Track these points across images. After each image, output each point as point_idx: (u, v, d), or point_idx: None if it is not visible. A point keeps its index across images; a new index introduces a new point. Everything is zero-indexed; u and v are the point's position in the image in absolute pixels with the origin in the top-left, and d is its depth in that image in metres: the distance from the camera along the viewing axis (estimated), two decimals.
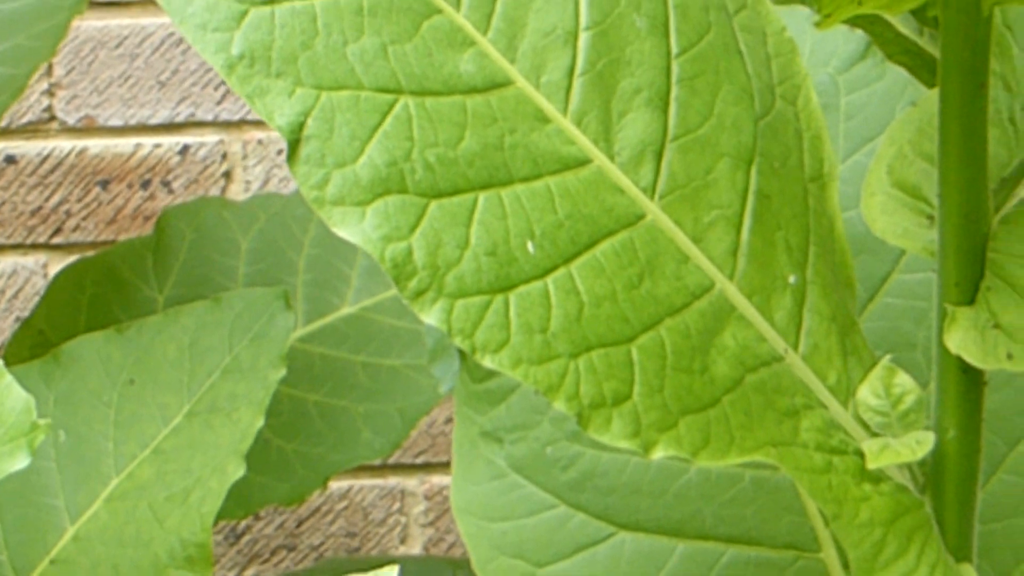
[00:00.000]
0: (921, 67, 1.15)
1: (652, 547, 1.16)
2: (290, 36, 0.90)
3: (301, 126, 0.86)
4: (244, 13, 0.89)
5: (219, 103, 2.08)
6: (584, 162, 0.95)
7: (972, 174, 0.97)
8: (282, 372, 1.30)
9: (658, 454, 0.91)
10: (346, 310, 1.53)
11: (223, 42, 0.88)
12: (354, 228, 0.88)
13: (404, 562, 1.78)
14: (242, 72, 0.87)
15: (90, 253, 1.75)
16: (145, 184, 2.07)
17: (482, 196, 0.91)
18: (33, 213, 2.10)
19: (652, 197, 0.96)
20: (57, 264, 2.07)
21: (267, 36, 0.89)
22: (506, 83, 0.94)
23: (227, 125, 2.10)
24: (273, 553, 2.18)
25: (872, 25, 1.15)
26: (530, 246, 0.91)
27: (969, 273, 0.99)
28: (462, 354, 1.17)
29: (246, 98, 0.89)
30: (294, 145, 0.87)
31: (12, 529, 1.29)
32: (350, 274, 1.54)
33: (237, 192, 2.06)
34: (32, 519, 1.30)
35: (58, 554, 1.26)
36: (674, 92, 0.98)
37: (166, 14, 2.03)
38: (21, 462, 0.99)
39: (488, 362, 0.89)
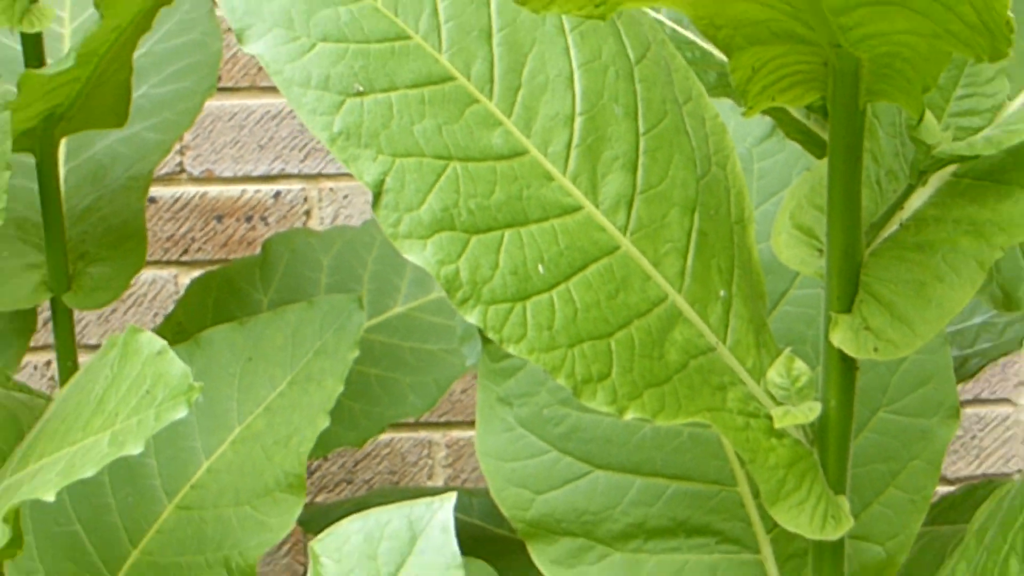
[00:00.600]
0: (810, 143, 1.15)
1: (618, 481, 1.15)
2: (374, 119, 0.89)
3: (382, 183, 0.87)
4: (342, 102, 0.88)
5: (302, 161, 2.08)
6: (578, 209, 0.95)
7: (850, 220, 0.97)
8: (355, 353, 1.30)
9: (628, 416, 0.92)
10: (397, 310, 1.55)
11: (327, 122, 0.88)
12: (418, 255, 0.88)
13: (432, 491, 1.74)
14: (341, 143, 0.87)
15: (209, 268, 1.76)
16: (248, 219, 2.08)
17: (507, 233, 0.91)
18: (167, 239, 2.09)
19: (625, 234, 0.96)
20: (184, 276, 2.08)
21: (358, 118, 0.89)
22: (524, 152, 0.94)
23: (307, 177, 2.10)
24: (336, 485, 2.18)
25: (775, 112, 1.14)
26: (540, 268, 0.91)
27: (847, 291, 0.99)
28: (485, 341, 1.14)
29: (343, 161, 0.90)
30: (377, 196, 0.88)
31: (164, 462, 1.30)
32: (400, 284, 1.56)
33: (314, 225, 2.06)
34: (178, 456, 1.30)
35: (196, 481, 1.28)
36: (641, 160, 0.98)
37: (268, 97, 2.05)
38: (181, 412, 1.00)
39: (511, 350, 0.91)
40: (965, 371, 1.51)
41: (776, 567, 1.13)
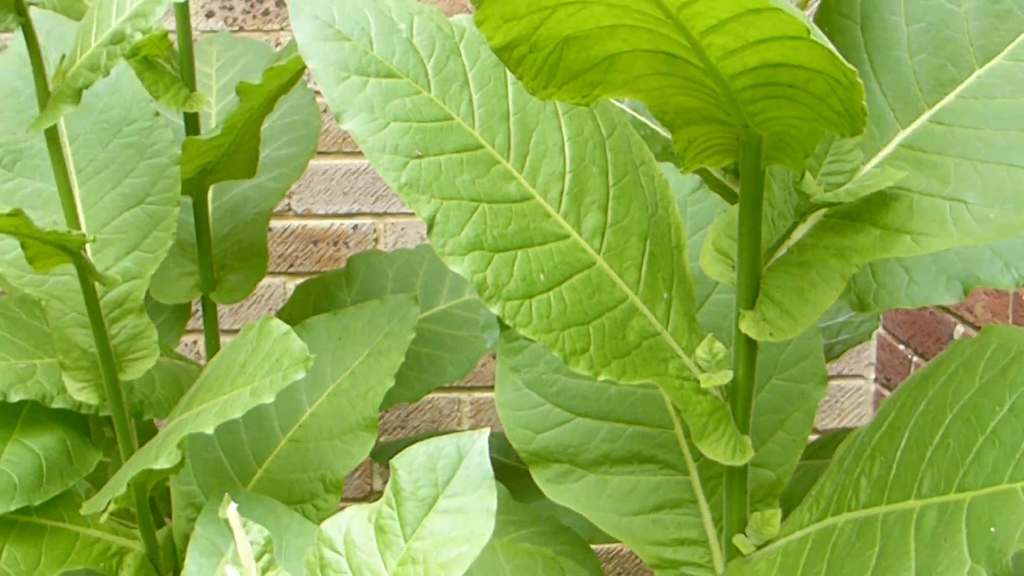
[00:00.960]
0: (726, 194, 1.10)
1: (592, 426, 1.14)
2: (428, 174, 0.88)
3: (434, 218, 0.86)
4: (407, 163, 0.85)
5: (373, 203, 2.06)
6: (567, 236, 0.93)
7: (753, 247, 0.96)
8: (412, 335, 1.29)
9: (600, 378, 0.91)
10: (440, 307, 1.54)
11: (397, 176, 0.86)
12: (459, 267, 0.87)
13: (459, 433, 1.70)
14: (406, 191, 0.86)
15: (309, 278, 1.75)
16: (335, 243, 2.06)
17: (519, 253, 0.90)
18: (279, 256, 2.07)
19: (599, 255, 0.95)
20: (291, 283, 2.04)
21: (417, 174, 0.86)
22: (531, 198, 0.92)
23: (377, 215, 2.08)
24: (393, 429, 2.15)
25: (702, 172, 1.09)
26: (542, 276, 0.91)
27: (751, 294, 0.97)
28: (503, 327, 1.16)
29: (407, 203, 0.88)
30: (430, 227, 0.87)
31: (280, 409, 1.29)
32: (442, 289, 1.56)
33: (381, 248, 2.04)
34: (289, 404, 1.30)
35: (302, 422, 1.28)
36: (611, 204, 0.97)
37: (350, 159, 2.02)
38: (301, 375, 1.02)
39: (521, 332, 0.90)
40: (831, 354, 1.48)
41: (700, 485, 1.12)
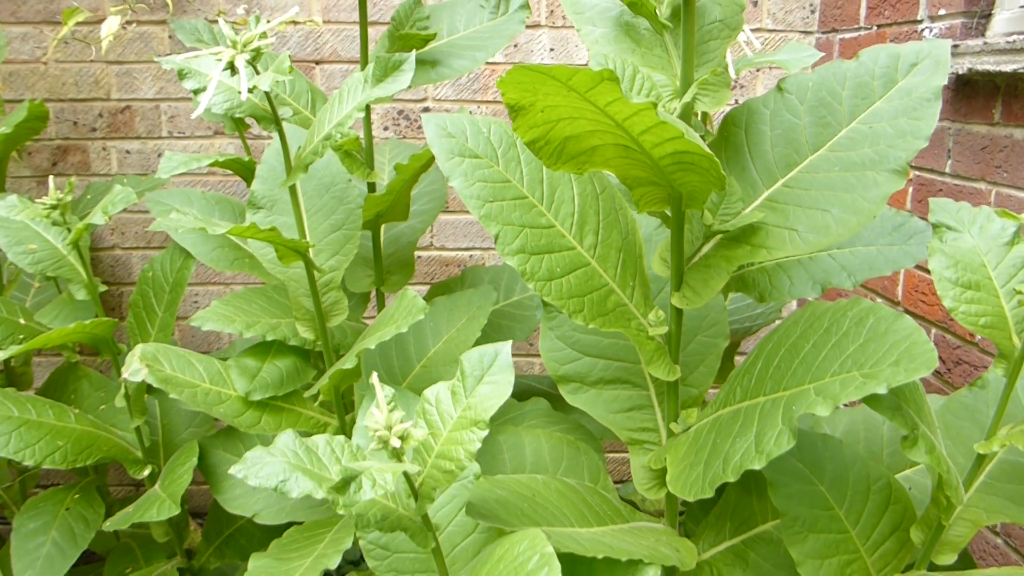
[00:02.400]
0: (666, 223, 1.13)
1: (593, 361, 1.14)
2: (496, 211, 0.94)
3: (498, 235, 0.93)
4: (483, 204, 0.94)
5: (481, 242, 2.05)
6: (574, 248, 0.99)
7: (679, 257, 1.00)
8: (491, 309, 1.30)
9: (590, 326, 0.97)
10: (514, 299, 1.51)
11: (478, 211, 0.94)
12: (512, 262, 0.94)
13: (530, 376, 1.64)
14: (484, 220, 0.93)
15: (436, 283, 1.77)
16: (458, 266, 2.06)
17: (546, 256, 0.96)
18: (423, 273, 2.07)
19: (593, 259, 1.00)
20: (423, 287, 2.07)
21: (489, 210, 0.94)
22: (553, 226, 0.98)
23: (482, 249, 2.07)
24: None
25: (652, 213, 1.08)
26: (558, 269, 0.97)
27: (679, 283, 1.00)
28: (544, 305, 1.16)
29: (484, 226, 0.96)
30: (496, 239, 0.93)
31: (416, 345, 1.29)
32: (515, 288, 1.52)
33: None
34: (422, 342, 1.29)
35: (430, 355, 1.28)
36: (600, 230, 1.02)
37: (468, 215, 2.03)
38: (421, 317, 1.04)
39: (546, 299, 0.95)
40: (748, 332, 1.46)
41: (655, 396, 1.13)
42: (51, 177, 1.22)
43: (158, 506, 1.22)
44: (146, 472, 1.44)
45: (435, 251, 2.11)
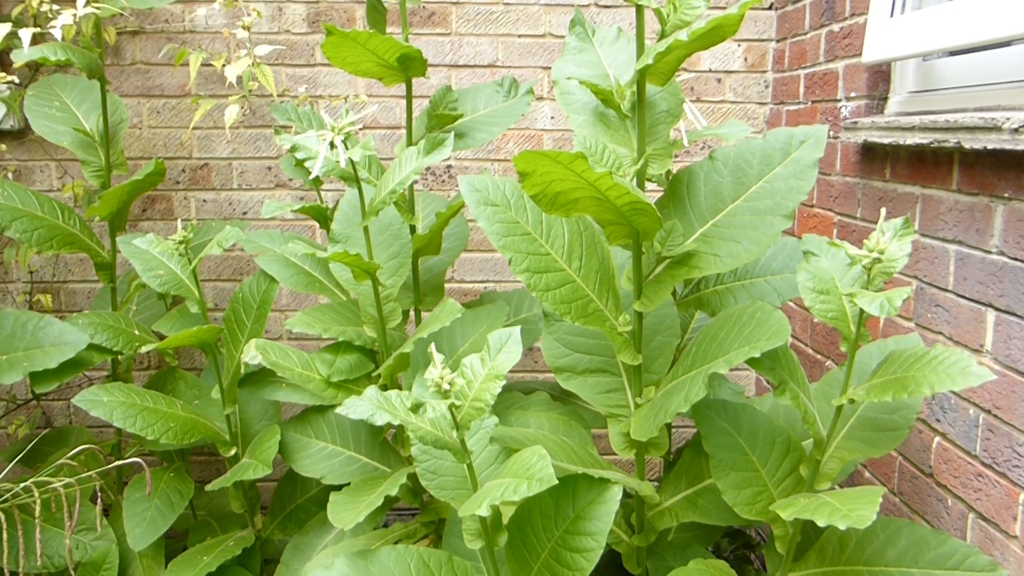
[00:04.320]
0: (631, 251, 1.46)
1: (581, 356, 1.40)
2: (509, 242, 1.21)
3: (511, 260, 1.22)
4: (501, 239, 1.21)
5: (495, 276, 2.28)
6: (564, 270, 1.28)
7: (639, 276, 1.28)
8: (505, 320, 1.53)
9: (576, 324, 1.26)
10: (523, 315, 1.74)
11: (498, 243, 1.22)
12: (521, 279, 1.22)
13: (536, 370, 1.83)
14: (501, 249, 1.22)
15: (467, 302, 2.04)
16: (477, 295, 2.23)
17: (544, 274, 1.26)
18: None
19: (578, 277, 1.29)
20: None
21: (506, 242, 1.21)
22: (549, 254, 1.27)
23: (496, 281, 2.28)
24: None
25: (622, 246, 1.33)
26: (552, 284, 1.26)
27: (639, 294, 1.28)
28: (545, 315, 1.42)
29: (502, 254, 1.23)
30: (510, 263, 1.21)
31: (448, 346, 1.54)
32: (522, 308, 1.73)
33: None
34: (452, 344, 1.56)
35: (458, 353, 1.53)
36: (583, 257, 1.30)
37: (487, 253, 2.39)
38: (458, 315, 1.33)
39: (544, 306, 1.24)
40: None
41: (625, 380, 1.41)
42: (179, 220, 1.62)
43: (253, 468, 1.59)
44: (232, 452, 1.82)
45: (456, 283, 2.41)
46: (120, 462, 1.60)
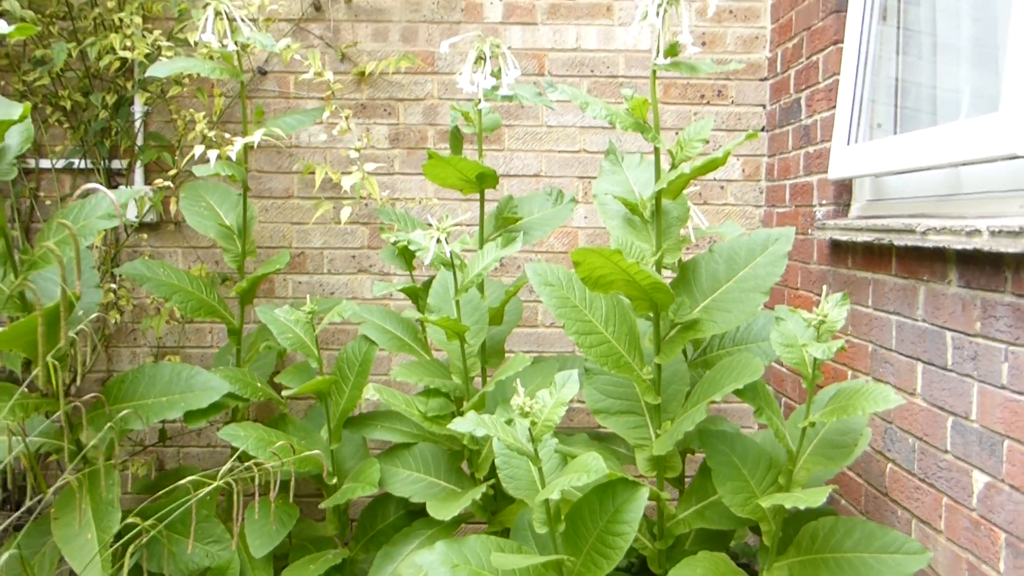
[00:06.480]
0: (650, 320, 2.06)
1: (615, 401, 1.78)
2: (564, 313, 1.59)
3: (565, 325, 1.60)
4: (558, 309, 1.80)
5: (541, 351, 2.74)
6: (601, 332, 1.64)
7: (658, 337, 1.66)
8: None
9: (611, 372, 1.69)
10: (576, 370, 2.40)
11: (557, 314, 1.66)
12: (572, 339, 1.63)
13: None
14: (559, 318, 1.63)
15: None
16: None
17: (588, 336, 1.61)
18: None
19: (612, 338, 1.65)
20: None
21: (562, 312, 1.62)
22: (591, 321, 1.65)
23: (538, 352, 2.64)
24: None
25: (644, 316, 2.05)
26: (594, 343, 1.63)
27: (658, 350, 1.67)
28: (587, 370, 1.79)
29: (559, 321, 1.75)
30: (564, 327, 1.70)
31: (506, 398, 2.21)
32: (565, 367, 2.41)
33: None
34: (508, 396, 2.21)
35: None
36: (616, 323, 1.68)
37: (543, 329, 2.96)
38: (528, 365, 1.90)
39: (588, 359, 1.63)
40: None
41: (649, 419, 1.80)
42: (309, 296, 2.16)
43: (360, 488, 2.06)
44: (333, 480, 2.30)
45: (509, 352, 2.84)
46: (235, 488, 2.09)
